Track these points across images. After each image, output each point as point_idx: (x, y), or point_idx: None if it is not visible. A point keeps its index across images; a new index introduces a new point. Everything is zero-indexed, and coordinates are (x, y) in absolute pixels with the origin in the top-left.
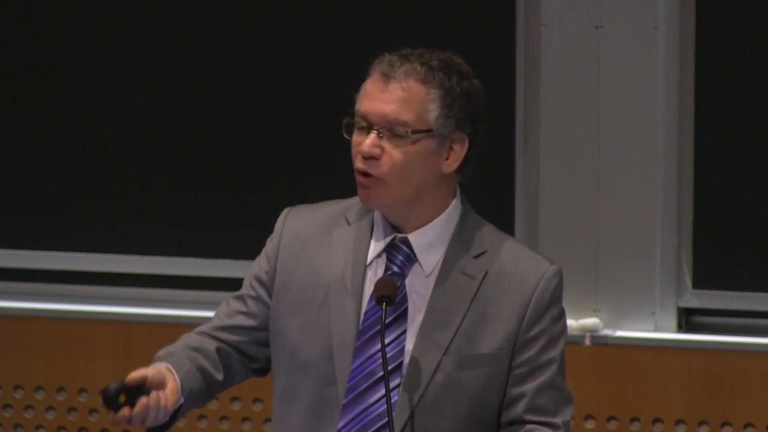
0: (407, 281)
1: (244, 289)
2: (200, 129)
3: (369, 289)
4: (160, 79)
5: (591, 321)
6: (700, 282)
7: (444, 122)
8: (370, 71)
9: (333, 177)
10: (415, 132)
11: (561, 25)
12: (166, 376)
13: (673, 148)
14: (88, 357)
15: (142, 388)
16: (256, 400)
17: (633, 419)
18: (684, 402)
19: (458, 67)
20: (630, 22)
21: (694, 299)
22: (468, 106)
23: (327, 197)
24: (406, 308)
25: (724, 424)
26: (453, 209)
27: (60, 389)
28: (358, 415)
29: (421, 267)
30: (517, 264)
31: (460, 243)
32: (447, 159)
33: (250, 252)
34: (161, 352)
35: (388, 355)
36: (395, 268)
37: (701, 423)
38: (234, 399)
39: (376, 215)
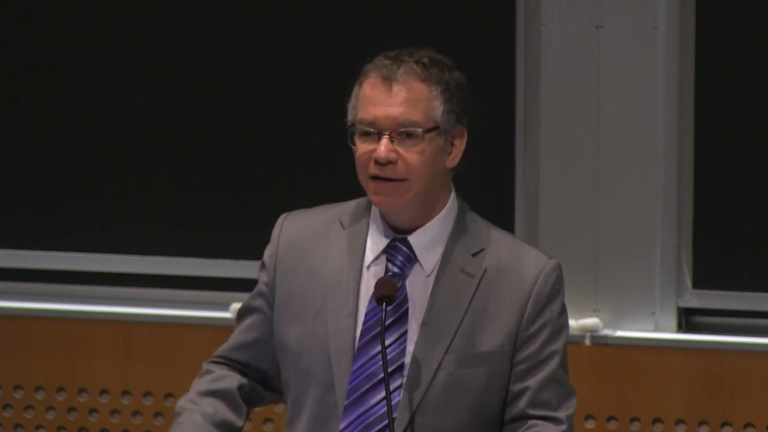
0: (408, 282)
1: (251, 301)
2: (200, 129)
3: (368, 291)
4: (160, 79)
5: (591, 321)
6: (700, 282)
7: (447, 117)
8: (363, 77)
9: (333, 177)
10: (426, 131)
11: (561, 25)
12: None
13: (673, 148)
14: (88, 357)
15: None
16: None
17: (633, 419)
18: (684, 402)
19: (444, 61)
20: (630, 22)
21: (694, 299)
22: (463, 98)
23: (327, 197)
24: (407, 309)
25: (724, 424)
26: (450, 206)
27: (60, 389)
28: (359, 416)
29: (422, 267)
30: (515, 260)
31: (457, 241)
32: (450, 154)
33: (250, 252)
34: (181, 412)
35: (389, 356)
36: (395, 269)
37: (701, 423)
38: None
39: (373, 217)
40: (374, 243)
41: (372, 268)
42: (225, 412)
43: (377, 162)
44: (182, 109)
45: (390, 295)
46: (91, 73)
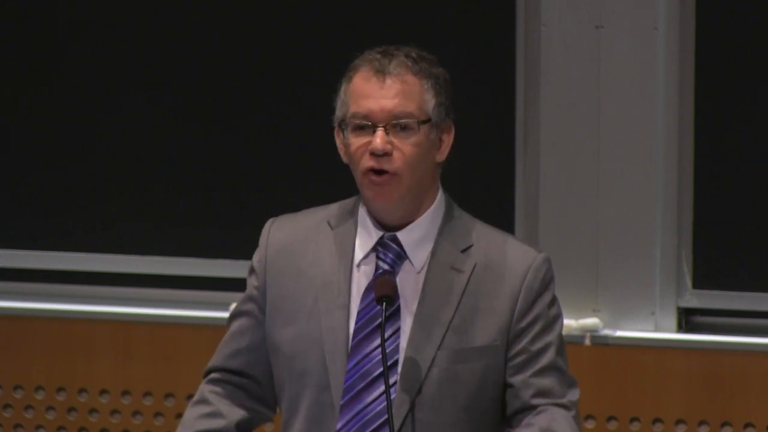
0: (398, 279)
1: (242, 306)
2: (200, 129)
3: (359, 289)
4: (160, 79)
5: (591, 321)
6: (700, 282)
7: (438, 111)
8: (353, 72)
9: (333, 177)
10: (420, 123)
11: (561, 25)
12: None
13: (673, 148)
14: (88, 357)
15: None
16: None
17: (633, 419)
18: (684, 402)
19: (429, 56)
20: (630, 22)
21: (694, 299)
22: (450, 93)
23: (327, 197)
24: (399, 306)
25: (724, 424)
26: (438, 203)
27: (60, 389)
28: (356, 415)
29: (412, 263)
30: (504, 255)
31: (446, 237)
32: (439, 149)
33: (250, 252)
34: None
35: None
36: (386, 267)
37: (701, 423)
38: None
39: (361, 216)
40: (363, 241)
41: (362, 267)
42: None
43: (373, 154)
44: (182, 109)
45: (390, 295)
46: (91, 73)
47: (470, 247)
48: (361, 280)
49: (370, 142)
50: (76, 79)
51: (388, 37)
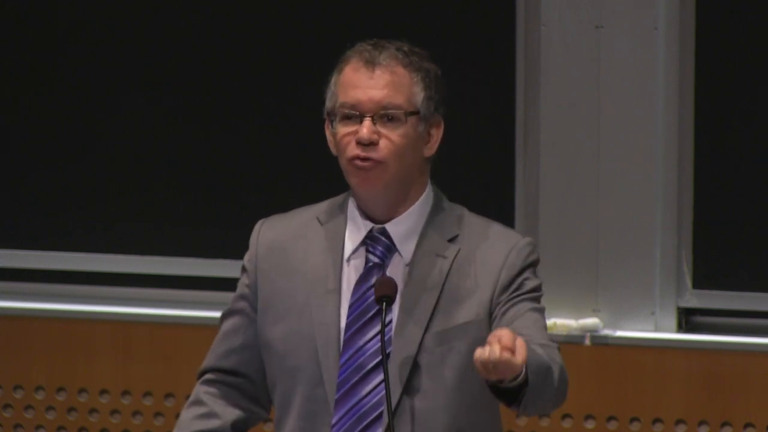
0: (388, 271)
1: (234, 304)
2: (200, 129)
3: (349, 284)
4: (160, 79)
5: (591, 321)
6: (700, 282)
7: (427, 104)
8: (343, 63)
9: (333, 177)
10: (408, 114)
11: (561, 25)
12: None
13: (673, 148)
14: (88, 357)
15: None
16: None
17: (633, 419)
18: (684, 402)
19: (421, 51)
20: (630, 22)
21: (694, 299)
22: (441, 87)
23: (326, 197)
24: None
25: (724, 424)
26: (427, 195)
27: (60, 389)
28: (350, 409)
29: (401, 256)
30: (488, 240)
31: (433, 228)
32: (428, 143)
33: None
34: None
35: (376, 347)
36: (375, 260)
37: (701, 423)
38: None
39: (350, 211)
40: (353, 235)
41: (352, 261)
42: None
43: (359, 143)
44: (182, 109)
45: (390, 294)
46: (91, 73)
47: (456, 236)
48: (351, 274)
49: (357, 131)
50: (76, 79)
51: (389, 37)
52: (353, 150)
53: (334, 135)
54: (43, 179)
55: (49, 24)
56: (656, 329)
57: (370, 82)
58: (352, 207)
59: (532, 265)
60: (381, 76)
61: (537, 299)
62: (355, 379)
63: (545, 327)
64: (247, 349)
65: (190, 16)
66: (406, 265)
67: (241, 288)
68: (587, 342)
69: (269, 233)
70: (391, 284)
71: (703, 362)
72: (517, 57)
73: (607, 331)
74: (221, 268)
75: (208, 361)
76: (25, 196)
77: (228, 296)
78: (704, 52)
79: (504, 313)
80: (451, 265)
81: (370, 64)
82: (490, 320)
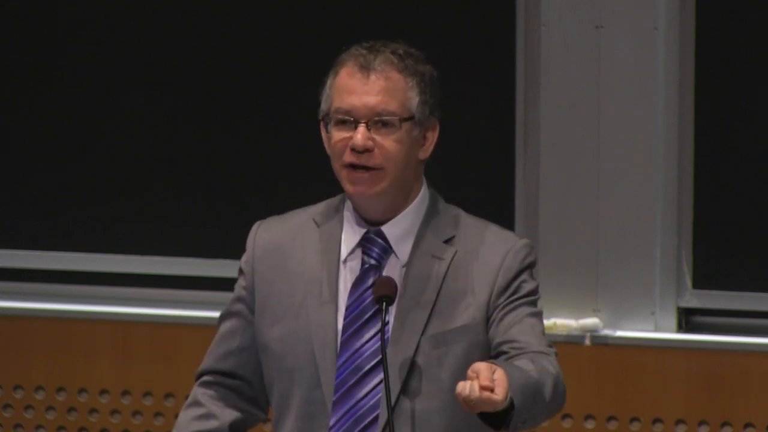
0: (385, 273)
1: (232, 306)
2: (200, 129)
3: (346, 285)
4: (160, 79)
5: (591, 321)
6: (700, 282)
7: (422, 109)
8: (339, 66)
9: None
10: (402, 120)
11: (561, 25)
12: None
13: (673, 148)
14: (88, 357)
15: None
16: None
17: (633, 419)
18: (684, 402)
19: (416, 54)
20: (630, 22)
21: (694, 299)
22: (436, 91)
23: (326, 197)
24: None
25: (724, 424)
26: (422, 197)
27: (60, 389)
28: (348, 411)
29: (397, 257)
30: (485, 241)
31: (429, 229)
32: (423, 146)
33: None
34: None
35: (372, 349)
36: (372, 261)
37: (701, 423)
38: None
39: (346, 212)
40: (349, 237)
41: (348, 263)
42: None
43: (354, 150)
44: (182, 109)
45: (390, 295)
46: (91, 73)
47: (453, 237)
48: (347, 275)
49: (351, 137)
50: (76, 79)
51: (388, 37)
52: (348, 157)
53: (328, 137)
54: (43, 179)
55: (49, 24)
56: (656, 329)
57: (365, 88)
58: (348, 209)
59: (529, 267)
60: (375, 82)
61: (534, 303)
62: (353, 381)
63: (543, 331)
64: (244, 351)
65: (190, 16)
66: (403, 266)
67: (238, 290)
68: (587, 342)
69: (266, 235)
70: (391, 284)
71: (703, 362)
72: (517, 57)
73: (607, 331)
74: (221, 268)
75: (206, 363)
76: (25, 196)
77: (228, 296)
78: (704, 52)
79: (501, 319)
80: (448, 267)
81: (365, 69)
82: (487, 323)
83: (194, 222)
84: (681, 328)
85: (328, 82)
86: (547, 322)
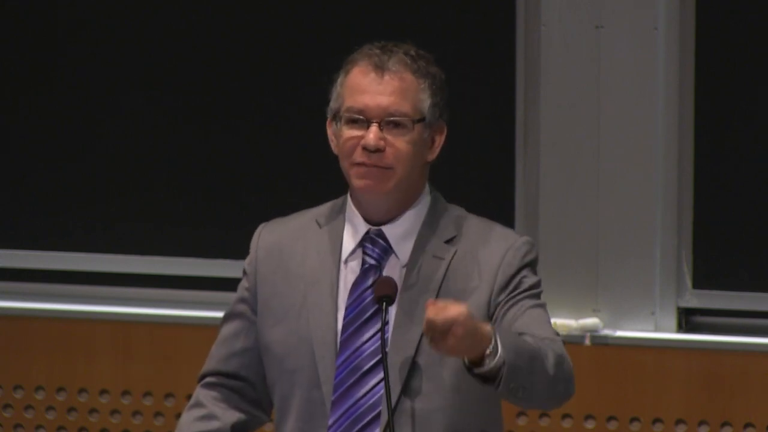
0: (385, 273)
1: (235, 307)
2: (200, 129)
3: (346, 285)
4: (160, 79)
5: (591, 321)
6: (700, 282)
7: (432, 111)
8: (351, 65)
9: (333, 177)
10: (414, 122)
11: (561, 25)
12: None
13: (673, 148)
14: (88, 357)
15: None
16: None
17: (633, 419)
18: (684, 402)
19: (427, 55)
20: (630, 22)
21: (694, 299)
22: (444, 93)
23: (326, 197)
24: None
25: (724, 424)
26: (424, 198)
27: (60, 389)
28: (347, 410)
29: (398, 257)
30: (486, 239)
31: (430, 230)
32: (430, 148)
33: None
34: None
35: (372, 348)
36: (372, 261)
37: (701, 423)
38: None
39: (348, 213)
40: (350, 237)
41: (349, 263)
42: None
43: (365, 149)
44: (182, 109)
45: (390, 294)
46: (91, 73)
47: (454, 237)
48: (348, 275)
49: (362, 136)
50: (76, 79)
51: (388, 37)
52: (359, 156)
53: (336, 135)
54: (43, 179)
55: (49, 24)
56: (656, 329)
57: (379, 88)
58: (350, 208)
59: (531, 263)
60: (389, 82)
61: (537, 296)
62: (352, 380)
63: (548, 321)
64: (247, 352)
65: (190, 16)
66: (403, 266)
67: (241, 291)
68: (587, 342)
69: (269, 237)
70: (391, 284)
71: (703, 362)
72: (517, 57)
73: (607, 331)
74: (221, 268)
75: (209, 364)
76: (25, 196)
77: (228, 296)
78: (704, 52)
79: (505, 314)
80: (448, 267)
81: (379, 69)
82: (489, 321)
83: (194, 222)
84: (681, 328)
85: (339, 80)
86: None
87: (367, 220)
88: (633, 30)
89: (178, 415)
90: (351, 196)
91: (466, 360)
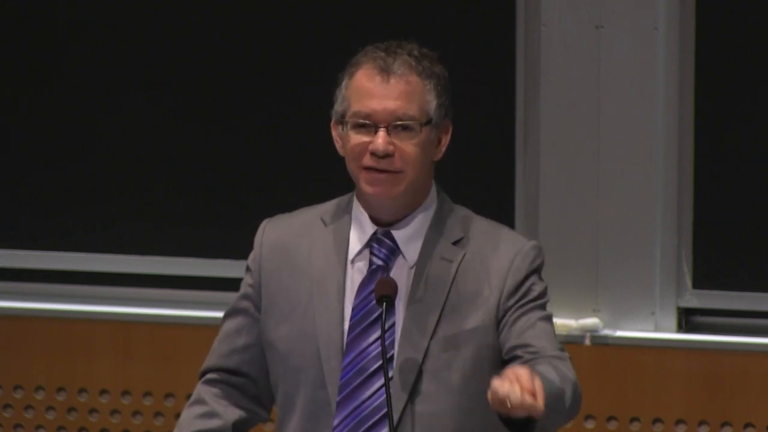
0: (392, 274)
1: (238, 303)
2: (200, 129)
3: (353, 286)
4: (160, 79)
5: (591, 321)
6: (700, 282)
7: (438, 111)
8: (355, 68)
9: (333, 177)
10: (422, 124)
11: (561, 25)
12: None
13: (673, 148)
14: (88, 357)
15: None
16: None
17: (633, 419)
18: (684, 402)
19: (430, 54)
20: (630, 22)
21: (694, 299)
22: (449, 92)
23: (326, 197)
24: (393, 303)
25: (724, 424)
26: (431, 198)
27: (60, 389)
28: (352, 411)
29: (405, 258)
30: (494, 243)
31: (438, 231)
32: (437, 147)
33: (250, 252)
34: None
35: (378, 350)
36: (379, 262)
37: (701, 423)
38: None
39: (355, 212)
40: (357, 237)
41: (356, 263)
42: None
43: (374, 154)
44: (182, 109)
45: (390, 294)
46: (91, 73)
47: (461, 239)
48: (355, 276)
49: (370, 141)
50: (76, 79)
51: (388, 37)
52: (367, 160)
53: (343, 138)
54: (43, 179)
55: (49, 24)
56: (656, 329)
57: (385, 92)
58: (356, 208)
59: (538, 269)
60: (396, 86)
61: (544, 306)
62: (357, 381)
63: (554, 334)
64: (249, 348)
65: (190, 16)
66: (411, 267)
67: (245, 287)
68: (587, 342)
69: (273, 233)
70: (391, 284)
71: (703, 362)
72: (517, 57)
73: (607, 331)
74: (221, 268)
75: (210, 360)
76: (25, 196)
77: (228, 296)
78: (704, 52)
79: (514, 323)
80: (457, 270)
81: (385, 72)
82: (497, 326)
83: (194, 222)
84: (681, 328)
85: (344, 83)
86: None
87: (374, 221)
88: (633, 30)
89: (178, 415)
90: (358, 196)
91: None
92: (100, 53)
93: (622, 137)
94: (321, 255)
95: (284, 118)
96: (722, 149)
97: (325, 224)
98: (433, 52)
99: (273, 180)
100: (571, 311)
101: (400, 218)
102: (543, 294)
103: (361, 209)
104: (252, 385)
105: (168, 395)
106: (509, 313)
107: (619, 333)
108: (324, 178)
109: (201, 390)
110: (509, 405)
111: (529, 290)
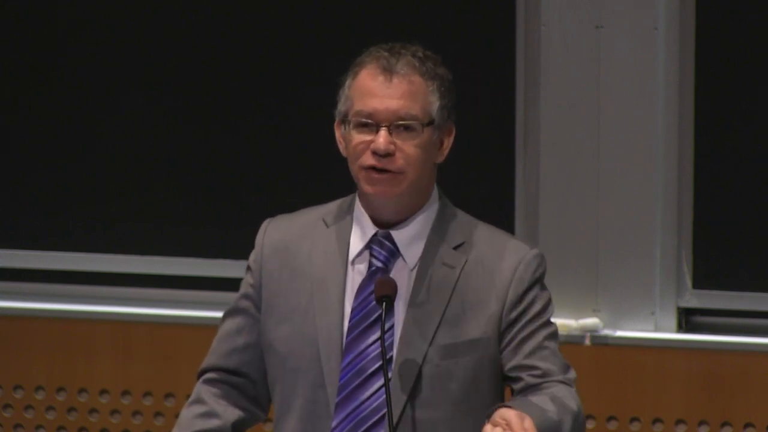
0: (392, 276)
1: (238, 303)
2: (200, 129)
3: (353, 287)
4: (160, 79)
5: (591, 321)
6: (700, 282)
7: (441, 113)
8: (359, 68)
9: (333, 177)
10: (424, 125)
11: (561, 25)
12: None
13: (673, 148)
14: (88, 357)
15: None
16: None
17: (633, 419)
18: (684, 402)
19: (434, 56)
20: (630, 22)
21: (694, 299)
22: (452, 94)
23: (327, 197)
24: (393, 303)
25: (724, 424)
26: (433, 201)
27: (60, 389)
28: (351, 413)
29: (405, 261)
30: (496, 250)
31: (439, 235)
32: (439, 149)
33: (250, 252)
34: None
35: (378, 351)
36: (379, 264)
37: (701, 423)
38: None
39: (356, 214)
40: (357, 239)
41: (356, 264)
42: None
43: (375, 153)
44: (182, 109)
45: (390, 295)
46: (91, 73)
47: (462, 244)
48: (355, 277)
49: (372, 141)
50: (76, 79)
51: (388, 37)
52: (368, 159)
53: (345, 138)
54: (43, 179)
55: (49, 24)
56: (656, 329)
57: (388, 92)
58: (358, 209)
59: (540, 278)
60: (398, 86)
61: (548, 322)
62: (356, 383)
63: (559, 353)
64: (249, 348)
65: (190, 16)
66: (411, 270)
67: (246, 287)
68: (587, 342)
69: (275, 233)
70: (391, 284)
71: (703, 362)
72: (517, 57)
73: (607, 331)
74: (221, 268)
75: (210, 359)
76: (25, 196)
77: (228, 296)
78: (704, 52)
79: (520, 343)
80: (459, 277)
81: (388, 72)
82: (498, 337)
83: (194, 222)
84: (681, 328)
85: (347, 83)
86: None
87: (375, 222)
88: (633, 30)
89: (178, 415)
90: (359, 197)
91: None
92: (100, 53)
93: (622, 137)
94: (322, 256)
95: (284, 118)
96: (722, 149)
97: (326, 225)
98: (437, 55)
99: (273, 180)
100: (571, 311)
101: (401, 220)
102: (546, 307)
103: (363, 210)
104: (251, 385)
105: (168, 395)
106: (514, 329)
107: (619, 333)
108: (324, 179)
109: (200, 389)
110: None
111: (532, 303)
